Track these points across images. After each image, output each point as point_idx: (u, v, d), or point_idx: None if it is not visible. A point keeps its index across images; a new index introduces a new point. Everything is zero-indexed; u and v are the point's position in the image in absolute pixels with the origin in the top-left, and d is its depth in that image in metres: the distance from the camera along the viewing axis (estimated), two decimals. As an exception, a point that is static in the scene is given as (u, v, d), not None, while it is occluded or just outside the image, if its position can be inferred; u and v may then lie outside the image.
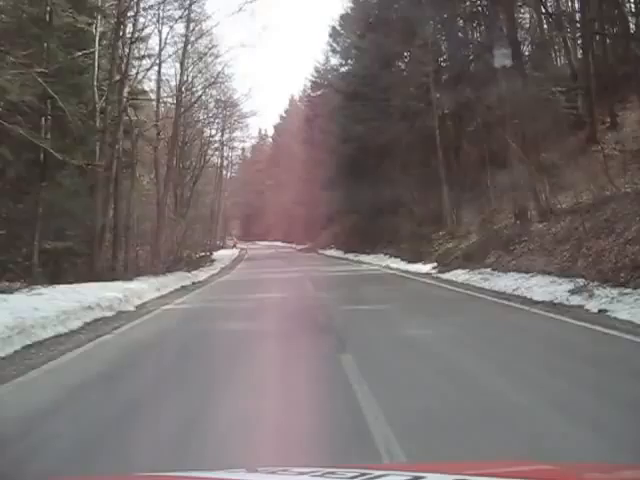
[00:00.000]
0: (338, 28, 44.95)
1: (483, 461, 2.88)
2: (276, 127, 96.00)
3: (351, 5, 42.49)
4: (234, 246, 63.15)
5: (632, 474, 1.84)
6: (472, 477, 1.70)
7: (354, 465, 1.95)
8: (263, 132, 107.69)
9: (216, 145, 52.37)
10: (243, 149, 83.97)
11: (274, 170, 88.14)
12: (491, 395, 5.18)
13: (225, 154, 65.97)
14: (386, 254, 28.40)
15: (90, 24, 18.72)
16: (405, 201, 29.08)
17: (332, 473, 1.68)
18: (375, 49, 32.58)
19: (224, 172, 67.67)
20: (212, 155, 50.86)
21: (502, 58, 18.61)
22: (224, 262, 36.47)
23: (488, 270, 16.07)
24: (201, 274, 24.84)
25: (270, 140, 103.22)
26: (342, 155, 37.99)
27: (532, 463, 2.32)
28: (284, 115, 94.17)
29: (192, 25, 28.82)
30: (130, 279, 17.54)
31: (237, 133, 56.55)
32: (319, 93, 53.35)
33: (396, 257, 25.86)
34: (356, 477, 1.62)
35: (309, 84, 56.96)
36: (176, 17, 27.20)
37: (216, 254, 44.20)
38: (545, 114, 20.56)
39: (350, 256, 35.19)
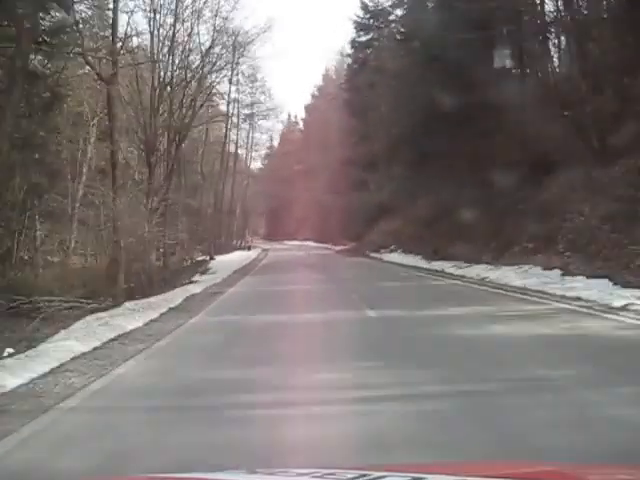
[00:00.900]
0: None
1: (484, 462, 2.77)
2: (307, 107, 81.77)
3: None
4: (249, 247, 48.87)
5: (633, 475, 1.88)
6: (472, 478, 1.70)
7: (353, 466, 1.94)
8: (292, 118, 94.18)
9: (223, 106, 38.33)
10: (271, 137, 70.52)
11: (304, 154, 73.98)
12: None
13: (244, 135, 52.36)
14: (551, 268, 13.67)
15: None
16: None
17: (331, 474, 1.69)
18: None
19: (240, 152, 53.85)
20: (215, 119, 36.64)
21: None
22: (222, 274, 22.26)
23: None
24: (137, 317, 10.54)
25: (300, 127, 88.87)
26: (409, 117, 23.86)
27: (534, 464, 2.28)
28: (316, 93, 79.95)
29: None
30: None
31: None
32: (370, 37, 38.95)
33: (598, 277, 11.22)
34: (355, 478, 1.63)
35: (352, 30, 42.15)
36: None
37: (219, 259, 30.08)
38: None
39: (449, 268, 19.81)
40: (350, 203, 48.20)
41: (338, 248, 48.85)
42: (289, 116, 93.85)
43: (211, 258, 29.62)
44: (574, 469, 1.94)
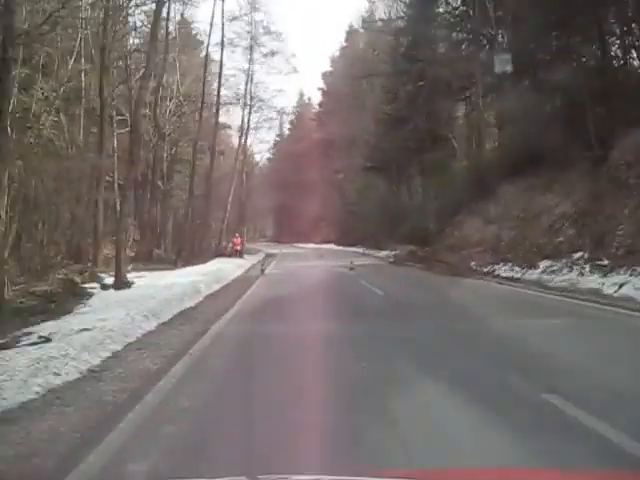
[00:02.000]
0: None
1: (482, 468, 2.70)
2: (325, 75, 64.26)
3: None
4: (237, 252, 30.64)
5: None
6: None
7: (353, 471, 1.95)
8: (306, 100, 76.99)
9: None
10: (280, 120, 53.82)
11: (324, 124, 56.86)
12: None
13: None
14: None
15: None
16: None
17: None
18: None
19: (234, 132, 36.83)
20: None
21: None
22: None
23: None
24: None
25: (314, 109, 71.35)
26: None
27: (534, 471, 2.28)
28: (337, 55, 62.59)
29: None
30: None
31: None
32: None
33: None
34: None
35: None
36: None
37: (144, 282, 12.57)
38: None
39: None
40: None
41: (382, 254, 31.38)
42: (301, 96, 77.23)
43: (119, 281, 11.98)
44: (573, 476, 1.92)
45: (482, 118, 23.56)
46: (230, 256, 28.05)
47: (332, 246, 52.89)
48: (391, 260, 26.50)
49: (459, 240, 20.10)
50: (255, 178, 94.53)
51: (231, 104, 36.54)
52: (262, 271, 19.15)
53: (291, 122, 77.54)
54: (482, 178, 20.14)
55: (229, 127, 45.78)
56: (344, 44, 62.09)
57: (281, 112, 39.92)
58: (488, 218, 18.75)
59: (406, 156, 33.30)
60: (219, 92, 31.07)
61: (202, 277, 14.06)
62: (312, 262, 27.34)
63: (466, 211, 21.40)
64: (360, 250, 36.99)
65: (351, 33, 60.76)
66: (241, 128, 38.58)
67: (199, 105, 30.75)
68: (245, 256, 33.48)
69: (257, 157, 64.41)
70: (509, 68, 19.26)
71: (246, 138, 40.46)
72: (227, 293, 12.11)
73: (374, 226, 38.33)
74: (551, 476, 1.89)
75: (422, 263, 21.13)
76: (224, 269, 17.37)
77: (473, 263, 16.83)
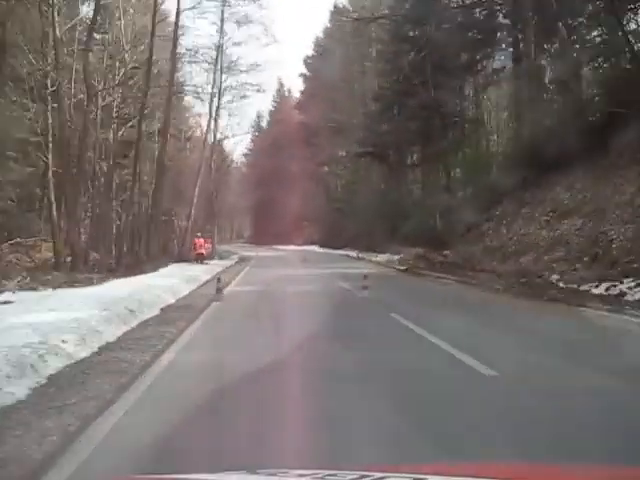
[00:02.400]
0: None
1: (484, 464, 2.50)
2: (306, 61, 57.89)
3: None
4: (200, 257, 23.37)
5: (631, 476, 1.82)
6: (472, 479, 1.67)
7: (355, 467, 1.85)
8: (286, 93, 70.79)
9: None
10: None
11: (307, 110, 50.81)
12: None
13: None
14: None
15: None
16: None
17: (333, 475, 1.68)
18: None
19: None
20: None
21: None
22: None
23: None
24: None
25: (295, 98, 65.10)
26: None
27: (535, 466, 2.20)
28: (321, 36, 56.41)
29: None
30: None
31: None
32: None
33: None
34: (356, 479, 1.61)
35: None
36: None
37: None
38: None
39: None
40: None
41: (383, 258, 25.26)
42: (280, 87, 70.88)
43: None
44: (574, 470, 1.95)
45: (533, 74, 17.53)
46: (196, 261, 21.84)
47: (316, 248, 46.81)
48: (400, 268, 20.35)
49: (508, 241, 14.14)
50: (232, 176, 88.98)
51: (195, 62, 30.00)
52: (219, 291, 11.53)
53: (270, 113, 71.45)
54: (536, 156, 14.24)
55: (198, 116, 39.56)
56: (328, 25, 56.06)
57: (259, 90, 33.23)
58: (560, 209, 12.83)
59: (408, 138, 27.38)
60: (175, 44, 24.48)
61: (92, 312, 7.55)
62: (295, 270, 21.11)
63: (512, 202, 15.48)
64: (352, 254, 30.90)
65: (336, 13, 54.73)
66: (210, 106, 32.25)
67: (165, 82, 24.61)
68: (214, 261, 27.24)
69: (234, 155, 58.30)
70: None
71: (216, 116, 33.85)
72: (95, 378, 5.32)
73: (367, 225, 32.34)
74: (551, 472, 1.85)
75: (449, 273, 15.06)
76: (160, 287, 11.16)
77: (555, 277, 10.86)
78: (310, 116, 48.56)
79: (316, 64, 54.52)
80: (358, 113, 36.07)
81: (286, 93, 71.54)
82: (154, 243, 23.39)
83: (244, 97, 31.87)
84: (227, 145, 46.29)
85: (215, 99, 32.11)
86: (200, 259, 22.77)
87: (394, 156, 29.99)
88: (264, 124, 74.67)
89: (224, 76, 32.73)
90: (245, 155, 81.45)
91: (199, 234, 24.83)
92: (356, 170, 40.59)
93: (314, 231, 51.27)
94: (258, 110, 75.89)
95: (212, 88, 32.31)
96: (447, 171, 25.48)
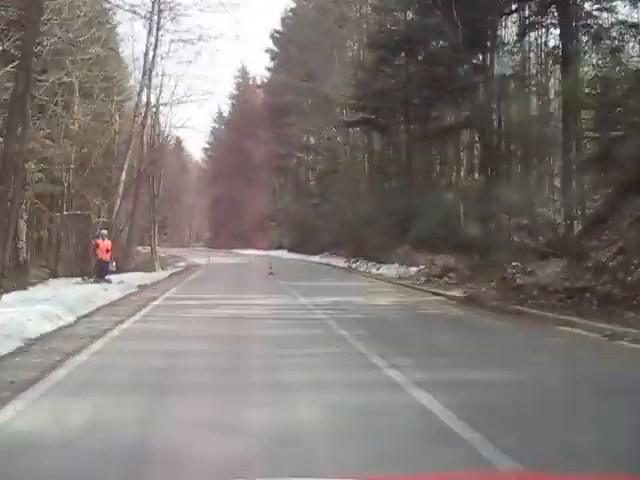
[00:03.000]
0: None
1: (485, 472, 2.61)
2: (273, 37, 48.71)
3: None
4: (101, 266, 13.97)
5: None
6: None
7: (354, 476, 1.86)
8: (251, 81, 61.55)
9: None
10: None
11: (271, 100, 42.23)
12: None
13: None
14: None
15: None
16: None
17: None
18: None
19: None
20: None
21: None
22: None
23: None
24: None
25: (260, 84, 55.94)
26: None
27: (537, 474, 2.21)
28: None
29: None
30: None
31: None
32: None
33: None
34: None
35: None
36: None
37: None
38: None
39: None
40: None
41: (390, 271, 16.66)
42: (243, 71, 61.60)
43: None
44: (573, 478, 1.90)
45: None
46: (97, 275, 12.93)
47: (284, 253, 38.22)
48: (450, 295, 11.28)
49: None
50: (190, 173, 79.59)
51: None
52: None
53: (232, 98, 62.03)
54: None
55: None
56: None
57: (205, 39, 23.86)
58: None
59: (424, 97, 18.94)
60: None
61: None
62: (258, 296, 12.29)
63: None
64: (340, 262, 22.30)
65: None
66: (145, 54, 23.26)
67: None
68: (137, 275, 18.32)
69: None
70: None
71: (150, 72, 24.60)
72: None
73: (355, 225, 23.82)
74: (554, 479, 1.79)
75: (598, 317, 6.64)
76: None
77: None
78: (278, 94, 39.81)
79: (285, 36, 45.77)
80: (341, 78, 27.60)
81: (250, 80, 62.34)
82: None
83: (187, 43, 22.87)
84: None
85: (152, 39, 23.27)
86: (102, 271, 13.86)
87: (398, 123, 21.38)
88: (226, 112, 65.67)
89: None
90: (205, 150, 72.49)
91: (104, 231, 15.66)
92: (333, 157, 32.08)
93: (282, 233, 42.47)
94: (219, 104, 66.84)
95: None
96: (488, 143, 17.06)
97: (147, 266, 25.03)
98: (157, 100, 26.06)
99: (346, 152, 28.92)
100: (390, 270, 16.89)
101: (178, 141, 50.36)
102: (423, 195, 18.87)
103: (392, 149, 23.30)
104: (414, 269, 15.71)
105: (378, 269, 17.82)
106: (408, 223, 18.21)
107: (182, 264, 31.96)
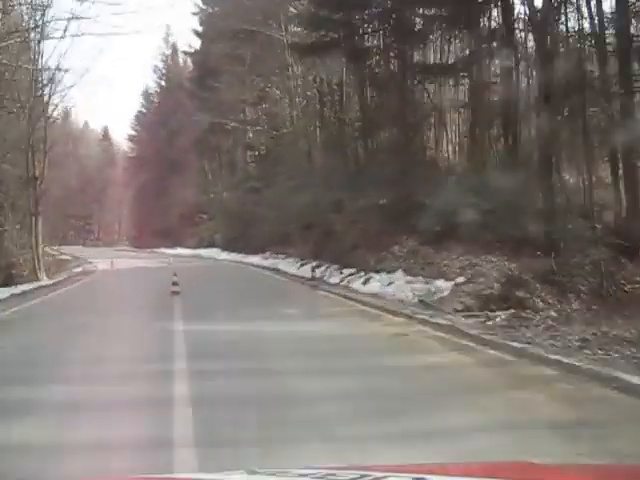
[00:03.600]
0: None
1: (486, 463, 2.62)
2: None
3: None
4: None
5: (631, 474, 1.79)
6: (474, 479, 1.66)
7: (355, 466, 1.86)
8: (180, 57, 52.67)
9: None
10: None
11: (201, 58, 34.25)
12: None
13: None
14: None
15: None
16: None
17: (332, 475, 1.67)
18: None
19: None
20: None
21: None
22: None
23: None
24: None
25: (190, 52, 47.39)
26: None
27: (536, 466, 2.14)
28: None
29: None
30: None
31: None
32: None
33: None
34: (357, 479, 1.58)
35: None
36: None
37: None
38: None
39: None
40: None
41: (399, 287, 9.36)
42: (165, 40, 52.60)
43: None
44: (575, 470, 1.88)
45: None
46: None
47: (217, 252, 30.45)
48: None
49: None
50: (117, 165, 70.30)
51: None
52: None
53: (157, 71, 52.89)
54: None
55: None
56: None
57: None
58: None
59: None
60: None
61: None
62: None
63: None
64: (292, 269, 14.75)
65: None
66: None
67: None
68: None
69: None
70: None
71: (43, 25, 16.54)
72: None
73: (317, 216, 16.17)
74: (549, 472, 1.79)
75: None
76: None
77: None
78: (209, 53, 31.72)
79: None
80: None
81: (181, 62, 53.34)
82: None
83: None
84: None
85: None
86: None
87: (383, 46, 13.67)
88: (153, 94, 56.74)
89: None
90: (132, 137, 63.35)
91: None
92: (277, 127, 24.35)
93: (214, 227, 34.39)
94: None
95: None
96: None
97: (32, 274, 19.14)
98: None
99: (294, 117, 21.34)
100: (393, 287, 9.40)
101: (65, 113, 40.69)
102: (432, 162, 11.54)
103: (374, 91, 15.52)
104: (445, 284, 8.42)
105: (365, 283, 10.35)
106: (412, 205, 10.85)
107: (77, 269, 24.10)
